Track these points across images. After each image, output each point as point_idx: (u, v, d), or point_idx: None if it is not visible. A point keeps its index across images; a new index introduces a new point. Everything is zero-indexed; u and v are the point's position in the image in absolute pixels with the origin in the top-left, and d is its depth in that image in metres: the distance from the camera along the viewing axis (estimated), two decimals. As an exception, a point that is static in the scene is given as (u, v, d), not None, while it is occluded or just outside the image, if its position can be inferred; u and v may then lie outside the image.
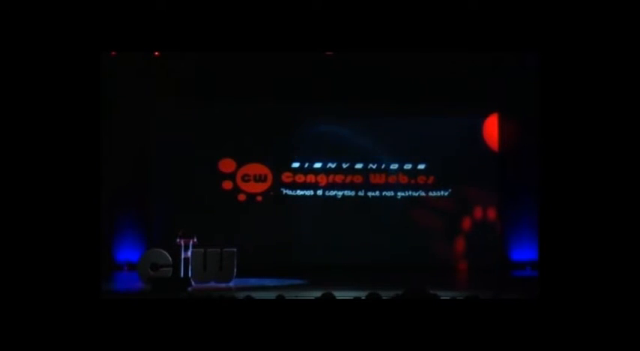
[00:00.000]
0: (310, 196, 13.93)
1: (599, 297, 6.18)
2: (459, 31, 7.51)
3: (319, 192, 13.96)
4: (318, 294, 5.83)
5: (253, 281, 11.44)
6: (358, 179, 14.01)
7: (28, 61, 6.59)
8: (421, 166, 14.03)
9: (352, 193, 13.97)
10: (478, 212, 14.16)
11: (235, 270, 11.16)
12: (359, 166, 14.01)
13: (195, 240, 11.05)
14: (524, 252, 13.67)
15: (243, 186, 13.89)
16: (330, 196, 13.90)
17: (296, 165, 13.98)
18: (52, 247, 6.37)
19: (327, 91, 13.58)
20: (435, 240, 13.96)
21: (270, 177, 13.94)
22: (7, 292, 6.13)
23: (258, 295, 6.74)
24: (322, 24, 7.54)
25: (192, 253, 11.02)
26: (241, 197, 13.83)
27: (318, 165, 13.97)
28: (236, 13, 7.43)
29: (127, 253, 13.33)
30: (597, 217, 6.56)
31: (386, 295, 5.70)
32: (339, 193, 13.94)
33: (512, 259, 13.81)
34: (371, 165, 14.01)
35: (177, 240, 10.99)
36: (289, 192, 13.95)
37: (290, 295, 6.65)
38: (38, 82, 6.59)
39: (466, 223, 14.13)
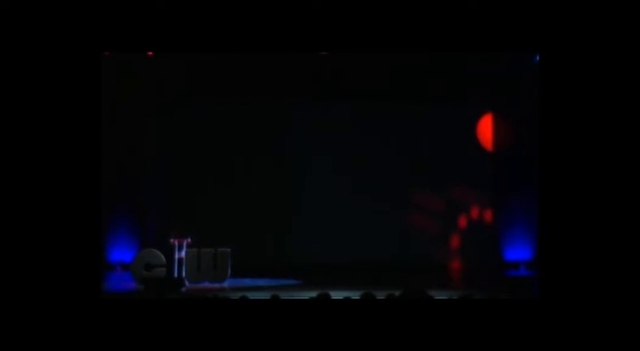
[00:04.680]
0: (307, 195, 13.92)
1: (597, 296, 6.20)
2: (458, 31, 7.53)
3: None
4: (313, 294, 5.82)
5: (247, 281, 11.42)
6: (354, 177, 14.00)
7: (28, 62, 6.59)
8: (415, 166, 14.02)
9: (349, 192, 13.94)
10: (472, 212, 14.17)
11: (229, 270, 11.14)
12: (354, 164, 14.00)
13: (189, 240, 11.02)
14: (518, 251, 13.70)
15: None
16: (327, 195, 13.88)
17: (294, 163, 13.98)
18: (52, 247, 6.37)
19: (324, 89, 13.57)
20: (429, 239, 13.96)
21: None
22: (6, 292, 6.13)
23: (252, 295, 6.72)
24: (322, 24, 7.55)
25: (186, 253, 10.99)
26: None
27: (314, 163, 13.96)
28: (235, 14, 7.44)
29: (120, 253, 13.29)
30: (596, 217, 6.58)
31: (380, 294, 5.69)
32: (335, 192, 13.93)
33: (506, 258, 13.83)
34: (366, 163, 13.99)
35: (171, 240, 10.96)
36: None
37: (285, 295, 6.64)
38: (39, 82, 6.60)
39: (460, 223, 14.14)
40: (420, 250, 13.79)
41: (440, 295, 6.14)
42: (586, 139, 6.74)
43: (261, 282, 11.36)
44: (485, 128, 14.27)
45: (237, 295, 5.94)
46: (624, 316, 5.86)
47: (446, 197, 14.11)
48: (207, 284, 11.00)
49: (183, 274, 10.93)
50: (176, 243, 10.96)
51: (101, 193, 6.94)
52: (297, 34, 7.72)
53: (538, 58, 8.55)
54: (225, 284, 11.06)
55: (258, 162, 13.82)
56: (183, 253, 10.97)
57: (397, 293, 5.63)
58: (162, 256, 11.06)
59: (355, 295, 5.76)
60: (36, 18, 6.63)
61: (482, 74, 13.59)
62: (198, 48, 8.15)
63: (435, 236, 14.03)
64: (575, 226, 6.64)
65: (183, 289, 10.72)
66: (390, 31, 7.66)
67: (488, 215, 14.17)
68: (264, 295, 6.33)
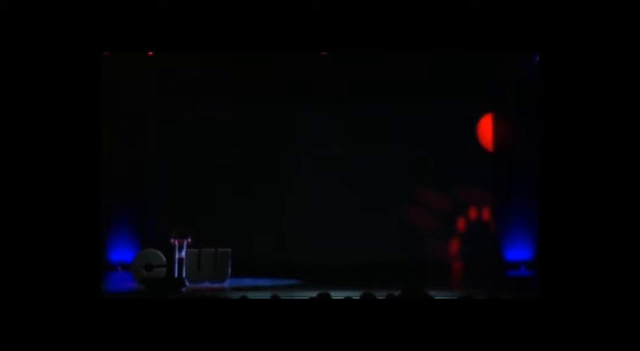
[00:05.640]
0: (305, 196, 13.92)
1: (598, 296, 6.20)
2: (458, 31, 7.54)
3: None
4: (313, 294, 5.82)
5: (248, 281, 11.42)
6: (354, 177, 14.00)
7: (28, 62, 6.61)
8: (415, 166, 14.02)
9: (349, 192, 13.94)
10: (472, 212, 14.18)
11: (230, 270, 11.14)
12: (354, 164, 13.99)
13: (189, 240, 11.02)
14: (519, 252, 13.70)
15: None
16: (327, 195, 13.87)
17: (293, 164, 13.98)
18: (52, 248, 6.37)
19: (324, 88, 13.57)
20: (429, 239, 13.97)
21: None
22: (7, 292, 6.14)
23: (252, 295, 6.72)
24: (322, 25, 7.56)
25: (186, 253, 10.99)
26: None
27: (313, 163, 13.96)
28: (235, 14, 7.44)
29: (121, 253, 13.29)
30: (596, 216, 6.58)
31: (380, 294, 5.69)
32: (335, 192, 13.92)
33: (506, 258, 13.82)
34: (366, 163, 13.99)
35: (172, 240, 10.96)
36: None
37: (285, 295, 6.64)
38: (39, 82, 6.61)
39: (460, 223, 14.14)
40: (420, 250, 13.79)
41: (440, 295, 6.14)
42: (586, 139, 6.75)
43: (261, 282, 11.36)
44: (485, 128, 14.28)
45: (237, 295, 5.94)
46: (625, 316, 5.86)
47: (446, 197, 14.11)
48: (207, 284, 11.00)
49: (184, 274, 10.93)
50: (176, 243, 10.96)
51: (101, 194, 6.95)
52: (297, 34, 7.73)
53: (538, 58, 8.55)
54: (226, 284, 11.06)
55: (258, 162, 13.82)
56: (183, 253, 10.97)
57: (397, 293, 5.63)
58: (163, 256, 11.06)
59: (355, 295, 5.76)
60: (36, 18, 6.64)
61: (483, 74, 13.58)
62: (198, 48, 8.16)
63: (435, 236, 14.03)
64: (575, 225, 6.64)
65: (184, 289, 10.72)
66: (390, 31, 7.67)
67: (489, 215, 14.17)
68: (264, 295, 6.33)
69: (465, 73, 13.49)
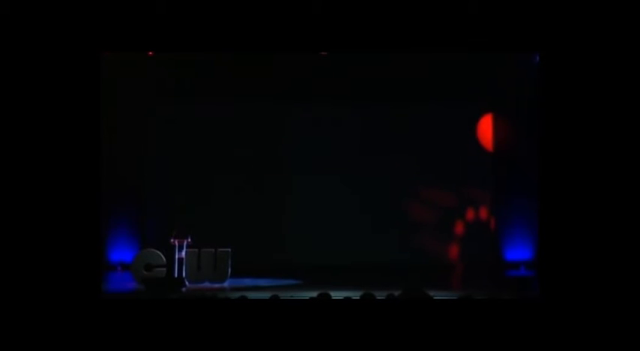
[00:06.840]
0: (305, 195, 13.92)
1: (598, 296, 6.20)
2: (459, 31, 7.54)
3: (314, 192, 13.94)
4: (313, 294, 5.83)
5: (248, 281, 11.43)
6: (353, 177, 14.00)
7: (28, 62, 6.61)
8: (415, 166, 14.03)
9: (349, 192, 13.94)
10: (472, 212, 14.18)
11: (230, 270, 11.14)
12: (354, 164, 14.00)
13: (189, 240, 11.02)
14: (519, 251, 13.70)
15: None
16: (327, 195, 13.87)
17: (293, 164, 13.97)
18: (52, 248, 6.38)
19: (324, 88, 13.58)
20: (429, 239, 13.97)
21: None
22: (7, 292, 6.14)
23: (252, 295, 6.72)
24: (322, 25, 7.57)
25: (186, 253, 10.99)
26: None
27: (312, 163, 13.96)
28: (235, 14, 7.45)
29: (120, 253, 13.29)
30: (596, 216, 6.59)
31: (380, 295, 5.70)
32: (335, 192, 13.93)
33: (507, 258, 13.83)
34: (366, 163, 13.99)
35: (172, 240, 10.96)
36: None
37: (285, 295, 6.64)
38: (38, 82, 6.61)
39: (460, 223, 14.15)
40: (420, 251, 13.79)
41: (440, 295, 6.14)
42: (586, 139, 6.75)
43: (261, 282, 11.36)
44: (485, 128, 14.28)
45: (237, 295, 5.94)
46: (625, 316, 5.87)
47: (446, 197, 14.11)
48: (207, 284, 11.00)
49: (184, 274, 10.93)
50: (176, 243, 10.96)
51: (101, 194, 6.95)
52: (297, 34, 7.73)
53: (538, 58, 8.56)
54: (226, 284, 11.06)
55: (258, 162, 13.83)
56: (183, 253, 10.97)
57: (397, 293, 5.64)
58: (163, 256, 11.06)
59: (355, 295, 5.76)
60: (36, 18, 6.64)
61: (483, 74, 13.59)
62: (198, 48, 8.17)
63: (435, 236, 14.03)
64: (575, 225, 6.65)
65: (184, 289, 10.72)
66: (391, 32, 7.67)
67: (488, 215, 14.17)
68: (264, 295, 6.33)
69: (465, 73, 13.51)
